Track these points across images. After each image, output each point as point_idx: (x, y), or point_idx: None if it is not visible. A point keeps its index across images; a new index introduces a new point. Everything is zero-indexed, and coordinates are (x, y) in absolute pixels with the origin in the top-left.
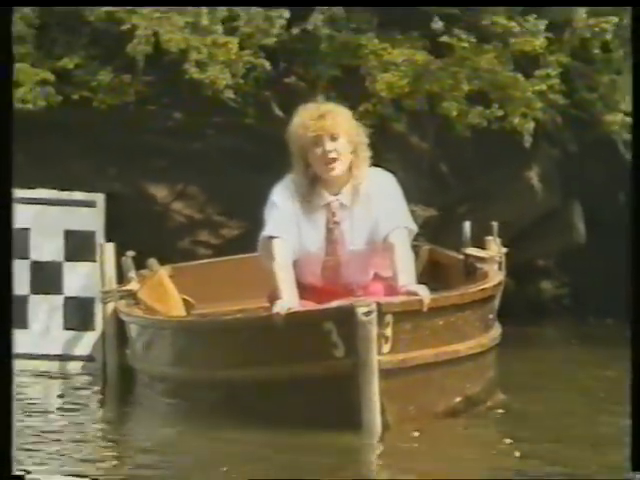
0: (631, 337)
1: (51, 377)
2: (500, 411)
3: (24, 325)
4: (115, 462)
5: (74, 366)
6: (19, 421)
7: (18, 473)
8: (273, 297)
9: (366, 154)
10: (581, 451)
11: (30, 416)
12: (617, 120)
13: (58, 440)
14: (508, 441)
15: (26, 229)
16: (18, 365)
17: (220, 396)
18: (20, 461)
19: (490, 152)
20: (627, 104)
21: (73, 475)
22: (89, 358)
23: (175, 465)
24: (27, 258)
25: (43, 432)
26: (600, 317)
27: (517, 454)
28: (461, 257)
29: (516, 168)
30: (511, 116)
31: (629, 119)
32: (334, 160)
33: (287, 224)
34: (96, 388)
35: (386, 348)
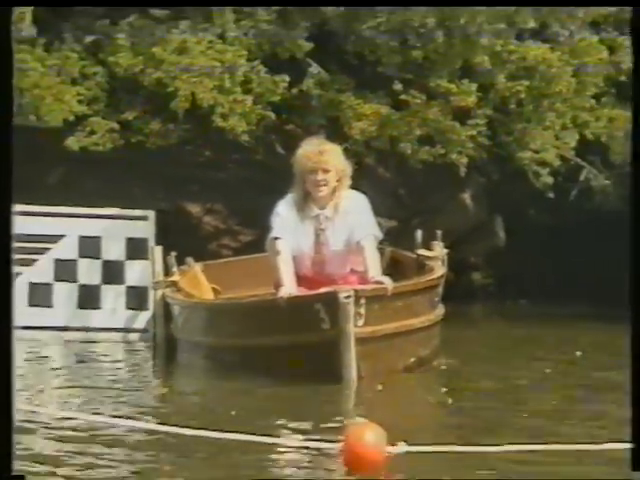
0: (631, 337)
1: (115, 344)
2: (443, 368)
3: (98, 306)
4: (163, 403)
5: (133, 336)
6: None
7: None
8: (277, 285)
9: (348, 181)
10: (498, 393)
11: (102, 375)
12: (527, 156)
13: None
14: (444, 390)
15: (98, 237)
16: (94, 336)
17: (237, 358)
18: (102, 401)
19: (435, 180)
20: (536, 144)
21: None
22: (144, 330)
23: (204, 405)
24: (99, 258)
25: (115, 381)
26: (515, 299)
27: (450, 400)
28: (414, 256)
29: (454, 191)
30: (450, 153)
31: (537, 155)
32: (323, 186)
33: (287, 229)
34: (149, 352)
35: (360, 322)
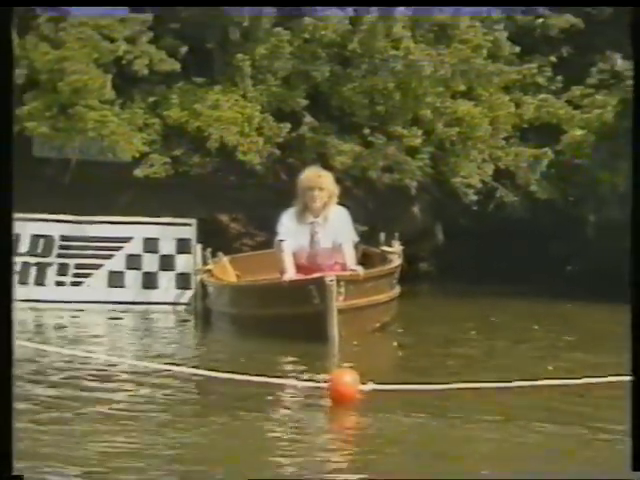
0: (631, 337)
1: (168, 313)
2: (399, 330)
3: (156, 287)
4: (200, 354)
5: (180, 308)
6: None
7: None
8: (282, 272)
9: (335, 198)
10: (437, 347)
11: (160, 335)
12: (458, 181)
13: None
14: (395, 344)
15: (156, 238)
16: (154, 308)
17: (253, 323)
18: (160, 353)
19: (393, 197)
20: (464, 173)
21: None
22: (188, 304)
23: (230, 357)
24: (157, 253)
25: (169, 339)
26: (453, 282)
27: (400, 353)
28: (379, 251)
29: (407, 205)
30: (404, 179)
31: (465, 180)
32: (317, 201)
33: (289, 233)
34: (192, 319)
35: (341, 298)
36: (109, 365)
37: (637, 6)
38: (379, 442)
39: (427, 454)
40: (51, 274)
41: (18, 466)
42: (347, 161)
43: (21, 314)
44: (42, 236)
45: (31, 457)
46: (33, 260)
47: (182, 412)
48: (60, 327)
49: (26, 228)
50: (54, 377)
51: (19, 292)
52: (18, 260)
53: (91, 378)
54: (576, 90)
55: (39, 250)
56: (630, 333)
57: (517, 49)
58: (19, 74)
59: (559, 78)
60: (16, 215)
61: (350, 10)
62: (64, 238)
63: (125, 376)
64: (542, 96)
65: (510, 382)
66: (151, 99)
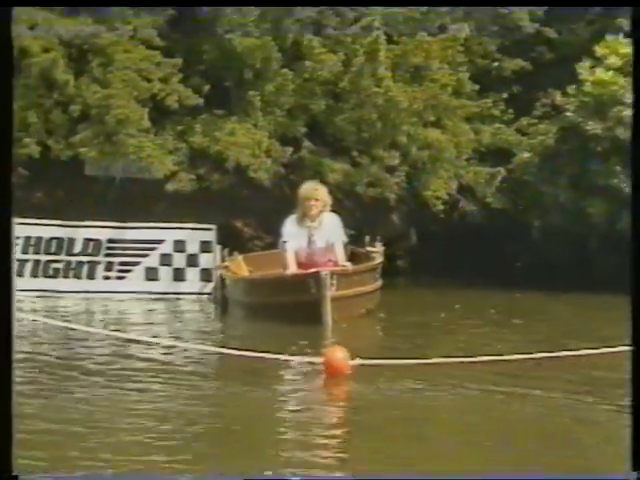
0: (632, 338)
1: (194, 301)
2: (381, 315)
3: (184, 279)
4: (220, 335)
5: (203, 297)
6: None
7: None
8: (285, 267)
9: (328, 207)
10: (414, 329)
11: (187, 319)
12: (428, 194)
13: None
14: (378, 327)
15: (184, 240)
16: (182, 297)
17: (262, 310)
18: (187, 334)
19: (376, 207)
20: (433, 187)
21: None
22: (210, 294)
23: (243, 337)
24: (184, 252)
25: (193, 323)
26: (424, 276)
27: (381, 333)
28: (364, 251)
29: (387, 214)
30: (385, 192)
31: (434, 193)
32: (314, 209)
33: (291, 235)
34: (213, 306)
35: (333, 289)
36: (146, 344)
37: (637, 6)
38: (363, 403)
39: (400, 412)
40: (99, 270)
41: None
42: (338, 178)
43: (75, 303)
44: (92, 240)
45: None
46: (85, 259)
47: (204, 376)
48: (105, 312)
49: (79, 233)
50: (101, 351)
51: (75, 284)
52: (73, 259)
53: (130, 353)
54: (524, 120)
55: (90, 251)
56: (630, 333)
57: (477, 87)
58: (74, 109)
59: (510, 111)
60: (70, 222)
61: (341, 54)
62: (110, 241)
63: (159, 353)
64: (496, 125)
65: (471, 357)
66: (179, 128)
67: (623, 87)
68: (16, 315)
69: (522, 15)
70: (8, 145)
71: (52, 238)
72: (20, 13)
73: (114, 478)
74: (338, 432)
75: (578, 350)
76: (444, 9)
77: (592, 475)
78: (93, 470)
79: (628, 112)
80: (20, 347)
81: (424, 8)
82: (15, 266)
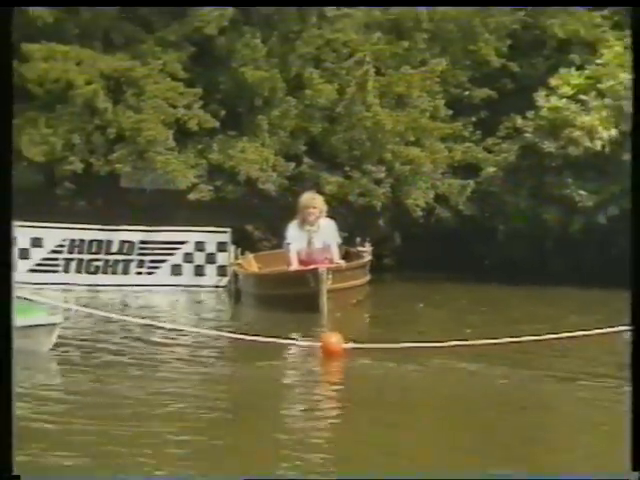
0: (632, 339)
1: (214, 295)
2: (369, 305)
3: (203, 274)
4: (233, 322)
5: (220, 290)
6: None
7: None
8: (288, 264)
9: (324, 213)
10: (395, 315)
11: (206, 308)
12: (410, 202)
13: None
14: (367, 315)
15: (204, 241)
16: (201, 290)
17: (268, 300)
18: (206, 322)
19: (365, 213)
20: (414, 196)
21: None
22: (225, 287)
23: (253, 323)
24: (204, 251)
25: (211, 310)
26: (407, 272)
27: (367, 319)
28: (355, 250)
29: (374, 219)
30: (372, 201)
31: (415, 202)
32: (312, 216)
33: (293, 237)
34: (228, 297)
35: (329, 283)
36: (171, 329)
37: (637, 6)
38: (354, 379)
39: (386, 386)
40: (133, 267)
41: None
42: (333, 189)
43: (111, 294)
44: (127, 241)
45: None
46: (121, 258)
47: (219, 357)
48: (136, 302)
49: (115, 236)
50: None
51: (110, 279)
52: (110, 258)
53: (158, 337)
54: (489, 140)
55: (125, 250)
56: (631, 333)
57: (450, 112)
58: (111, 131)
59: (478, 132)
60: (108, 227)
61: (336, 84)
62: (141, 242)
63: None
64: (466, 144)
65: (447, 341)
66: (199, 146)
67: (574, 112)
68: (64, 305)
69: (489, 51)
70: (8, 144)
71: (93, 240)
72: (67, 50)
73: (114, 478)
74: (334, 404)
75: (538, 335)
76: (423, 44)
77: (592, 475)
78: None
79: (578, 133)
80: (64, 332)
81: (406, 44)
82: (64, 263)
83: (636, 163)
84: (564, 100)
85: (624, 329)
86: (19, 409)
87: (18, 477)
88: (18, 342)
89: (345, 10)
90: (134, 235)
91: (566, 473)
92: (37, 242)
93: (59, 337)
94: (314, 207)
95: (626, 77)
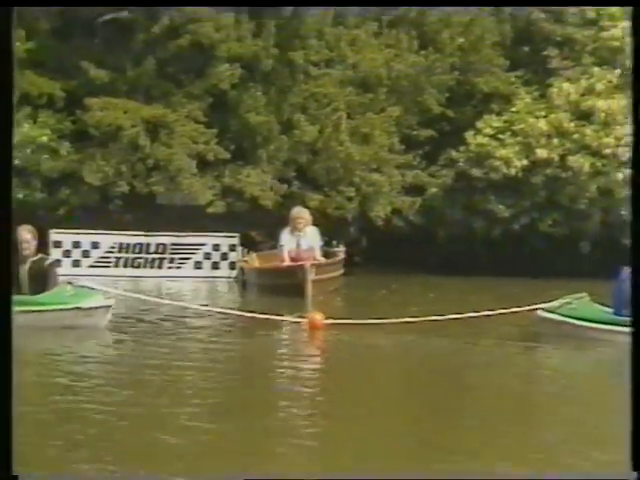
0: (632, 340)
1: (226, 284)
2: (344, 292)
3: (218, 268)
4: (241, 304)
5: (231, 280)
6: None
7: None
8: (282, 261)
9: (310, 222)
10: (364, 300)
11: (220, 294)
12: (373, 214)
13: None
14: (340, 299)
15: (219, 244)
16: (217, 280)
17: (267, 289)
18: (221, 305)
19: (340, 223)
20: (377, 209)
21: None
22: (235, 278)
23: (256, 305)
24: (219, 251)
25: (223, 295)
26: (372, 267)
27: (341, 302)
28: (332, 251)
29: (347, 227)
30: (345, 213)
31: (379, 214)
32: (300, 225)
33: (286, 241)
34: (237, 286)
35: (312, 275)
36: (194, 309)
37: (637, 6)
38: (332, 347)
39: (354, 348)
40: (165, 263)
41: None
42: (316, 204)
43: (149, 283)
44: (161, 244)
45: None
46: (157, 256)
47: (229, 330)
48: (168, 289)
49: (153, 239)
50: (166, 312)
51: (149, 272)
52: (149, 256)
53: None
54: (432, 168)
55: (159, 251)
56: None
57: (403, 147)
58: (149, 162)
59: (424, 162)
60: (148, 233)
61: (318, 126)
62: (172, 244)
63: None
64: (415, 171)
65: (400, 319)
66: (215, 173)
67: (494, 147)
68: (115, 291)
69: (432, 101)
70: (8, 144)
71: (136, 243)
72: (117, 102)
73: (114, 478)
74: (316, 363)
75: (476, 312)
76: (383, 96)
77: (592, 475)
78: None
79: (498, 162)
80: (118, 310)
81: (371, 96)
82: (115, 261)
83: (636, 162)
84: (487, 138)
85: (533, 308)
86: (88, 364)
87: (16, 477)
88: (84, 320)
89: (325, 70)
90: (166, 239)
91: (566, 473)
92: (95, 245)
93: (112, 315)
94: (302, 218)
95: (534, 121)
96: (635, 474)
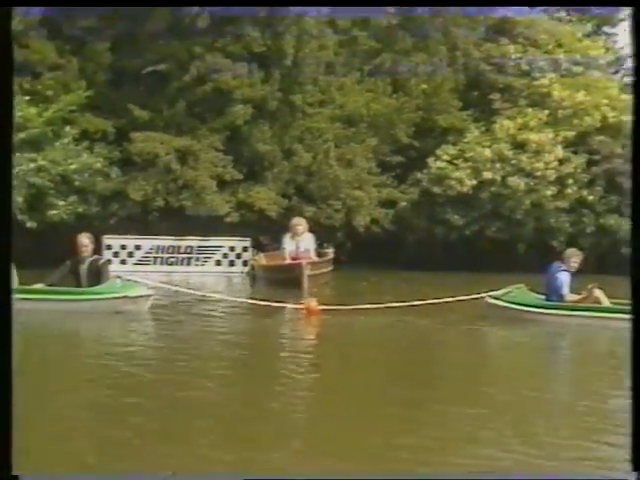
0: (632, 341)
1: (240, 278)
2: (332, 284)
3: (234, 266)
4: (251, 294)
5: (244, 275)
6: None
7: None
8: (284, 260)
9: (306, 229)
10: (346, 292)
11: (235, 286)
12: (355, 223)
13: (244, 291)
14: (330, 289)
15: (235, 246)
16: (232, 275)
17: (273, 282)
18: (236, 293)
19: (330, 230)
20: (358, 219)
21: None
22: (246, 273)
23: (263, 294)
24: (234, 251)
25: (238, 287)
26: (356, 264)
27: (331, 292)
28: (324, 251)
29: (335, 233)
30: (334, 223)
31: (360, 223)
32: (298, 231)
33: (287, 244)
34: (248, 280)
35: (308, 270)
36: (216, 298)
37: (637, 6)
38: (324, 326)
39: (342, 328)
40: (192, 261)
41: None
42: (311, 215)
43: (179, 277)
44: (189, 246)
45: None
46: (185, 255)
47: (243, 314)
48: (194, 283)
49: (183, 242)
50: (193, 301)
51: (180, 269)
52: (180, 256)
53: (206, 301)
54: (402, 187)
55: (188, 251)
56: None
57: (379, 170)
58: (180, 182)
59: (395, 182)
60: (179, 237)
61: (312, 154)
62: (198, 246)
63: (222, 303)
64: (389, 189)
65: (380, 304)
66: (231, 190)
67: (450, 170)
68: (153, 284)
69: (402, 134)
70: (8, 144)
71: (170, 245)
72: (156, 136)
73: (114, 478)
74: (312, 341)
75: (437, 299)
76: (363, 130)
77: (592, 475)
78: None
79: (453, 182)
80: (160, 301)
81: (354, 129)
82: (153, 259)
83: (636, 162)
84: (445, 163)
85: (482, 296)
86: (136, 339)
87: (16, 477)
88: (130, 307)
89: (318, 109)
90: (193, 242)
91: (566, 473)
92: (138, 247)
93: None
94: (299, 225)
95: (481, 150)
96: (635, 474)
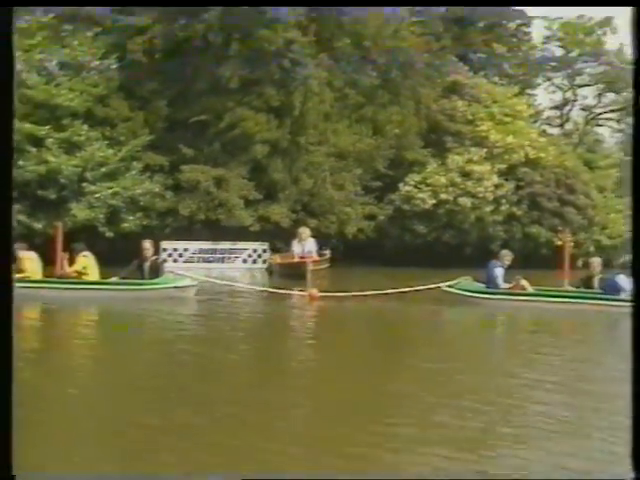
0: (632, 341)
1: (260, 272)
2: (330, 277)
3: (257, 263)
4: (267, 284)
5: (264, 270)
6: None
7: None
8: (293, 259)
9: (310, 235)
10: (339, 283)
11: (255, 279)
12: (346, 232)
13: (260, 279)
14: (328, 281)
15: (257, 248)
16: (257, 270)
17: (285, 275)
18: (260, 285)
19: (327, 237)
20: (345, 229)
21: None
22: (265, 269)
23: (275, 284)
24: (257, 252)
25: (258, 279)
26: (348, 263)
27: (328, 283)
28: (323, 252)
29: (331, 239)
30: (329, 232)
31: (349, 232)
32: (304, 237)
33: (295, 247)
34: (266, 274)
35: (311, 266)
36: (241, 287)
37: (637, 6)
38: (323, 308)
39: (338, 311)
40: (225, 259)
41: None
42: (313, 225)
43: (216, 272)
44: (223, 249)
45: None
46: (220, 255)
47: (264, 299)
48: (226, 276)
49: (219, 246)
50: (226, 289)
51: (215, 266)
52: (216, 255)
53: (235, 290)
54: (380, 205)
55: (222, 252)
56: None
57: (362, 192)
58: (216, 202)
59: (375, 201)
60: (215, 242)
61: (312, 180)
62: (230, 249)
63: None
64: (370, 206)
65: (369, 291)
66: (254, 208)
67: (412, 192)
68: (197, 277)
69: (380, 167)
70: (8, 144)
71: (209, 248)
72: (197, 168)
73: (114, 478)
74: (313, 320)
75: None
76: (351, 162)
77: (592, 475)
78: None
79: (419, 201)
80: (202, 295)
81: (344, 163)
82: (196, 258)
83: (636, 162)
84: (411, 187)
85: (438, 286)
86: (181, 313)
87: (13, 477)
88: (180, 294)
89: (317, 147)
90: (226, 246)
91: (566, 473)
92: (186, 249)
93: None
94: (305, 233)
95: (438, 177)
96: (635, 474)
